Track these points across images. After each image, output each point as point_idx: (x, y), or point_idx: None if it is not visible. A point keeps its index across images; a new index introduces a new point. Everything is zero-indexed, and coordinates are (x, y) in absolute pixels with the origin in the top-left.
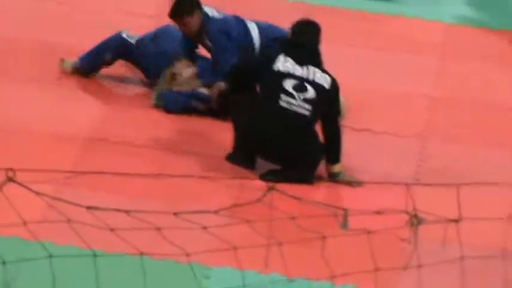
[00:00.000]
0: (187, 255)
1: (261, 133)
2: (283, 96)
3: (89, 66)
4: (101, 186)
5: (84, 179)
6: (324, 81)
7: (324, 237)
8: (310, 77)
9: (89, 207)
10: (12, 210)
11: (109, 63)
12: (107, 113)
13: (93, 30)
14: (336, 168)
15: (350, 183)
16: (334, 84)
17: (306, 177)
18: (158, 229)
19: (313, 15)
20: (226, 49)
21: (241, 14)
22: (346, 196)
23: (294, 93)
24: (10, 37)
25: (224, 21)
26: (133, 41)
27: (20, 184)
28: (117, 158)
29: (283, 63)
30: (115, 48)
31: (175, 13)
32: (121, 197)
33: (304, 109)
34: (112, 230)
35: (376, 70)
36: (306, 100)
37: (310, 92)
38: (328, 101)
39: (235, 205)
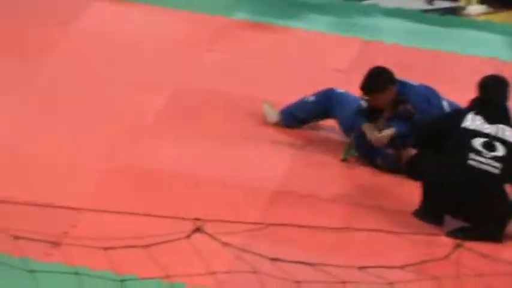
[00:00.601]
0: None
1: (449, 191)
2: (471, 155)
3: (290, 114)
4: (287, 239)
5: (271, 231)
6: None
7: None
8: (499, 135)
9: (273, 259)
10: (200, 259)
11: (311, 113)
12: (295, 165)
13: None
14: None
15: None
16: None
17: (495, 235)
18: (343, 283)
19: (503, 71)
20: (428, 113)
21: (430, 71)
22: None
23: (483, 151)
24: (206, 88)
25: (423, 87)
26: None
27: (208, 234)
28: (303, 211)
29: (472, 121)
30: (319, 94)
31: (368, 89)
32: (306, 250)
33: (493, 167)
34: (297, 282)
35: None
36: (495, 158)
37: (500, 150)
38: None
39: (422, 261)
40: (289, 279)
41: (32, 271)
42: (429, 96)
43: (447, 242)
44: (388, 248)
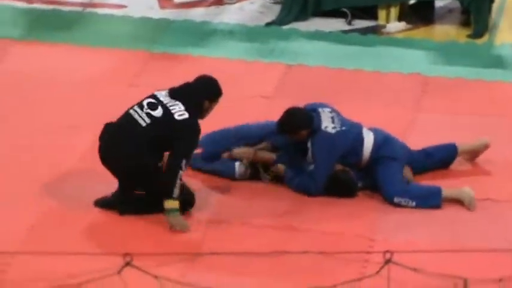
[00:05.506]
0: None
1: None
2: (135, 106)
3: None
4: (222, 267)
5: (207, 261)
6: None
7: None
8: (168, 104)
9: None
10: None
11: None
12: (227, 194)
13: None
14: (167, 204)
15: None
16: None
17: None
18: None
19: (429, 86)
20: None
21: (354, 90)
22: (466, 265)
23: (144, 107)
24: None
25: (336, 137)
26: None
27: (138, 268)
28: (236, 238)
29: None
30: None
31: (281, 130)
32: (242, 276)
33: (143, 121)
34: None
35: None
36: (148, 115)
37: (158, 112)
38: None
39: (352, 280)
40: None
41: None
42: (332, 146)
43: (378, 259)
44: (322, 269)
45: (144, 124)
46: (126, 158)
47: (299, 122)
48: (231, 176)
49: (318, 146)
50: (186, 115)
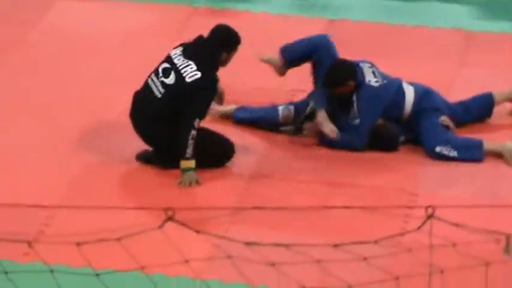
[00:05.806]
0: (350, 287)
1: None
2: (152, 75)
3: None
4: (264, 222)
5: (248, 216)
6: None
7: (487, 264)
8: (180, 66)
9: (248, 243)
10: (175, 249)
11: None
12: (268, 150)
13: None
14: (182, 163)
15: None
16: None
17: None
18: (318, 261)
19: (473, 41)
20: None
21: (397, 45)
22: (508, 220)
23: (160, 74)
24: None
25: (381, 88)
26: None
27: (180, 223)
28: (279, 194)
29: (174, 49)
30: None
31: (328, 83)
32: (283, 232)
33: (158, 91)
34: (272, 264)
35: None
36: (162, 83)
37: (171, 78)
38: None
39: (394, 235)
40: (264, 262)
41: (6, 272)
42: (377, 98)
43: (420, 213)
44: (364, 224)
45: (159, 95)
46: (149, 128)
47: (346, 73)
48: (274, 120)
49: (363, 99)
50: (198, 75)
